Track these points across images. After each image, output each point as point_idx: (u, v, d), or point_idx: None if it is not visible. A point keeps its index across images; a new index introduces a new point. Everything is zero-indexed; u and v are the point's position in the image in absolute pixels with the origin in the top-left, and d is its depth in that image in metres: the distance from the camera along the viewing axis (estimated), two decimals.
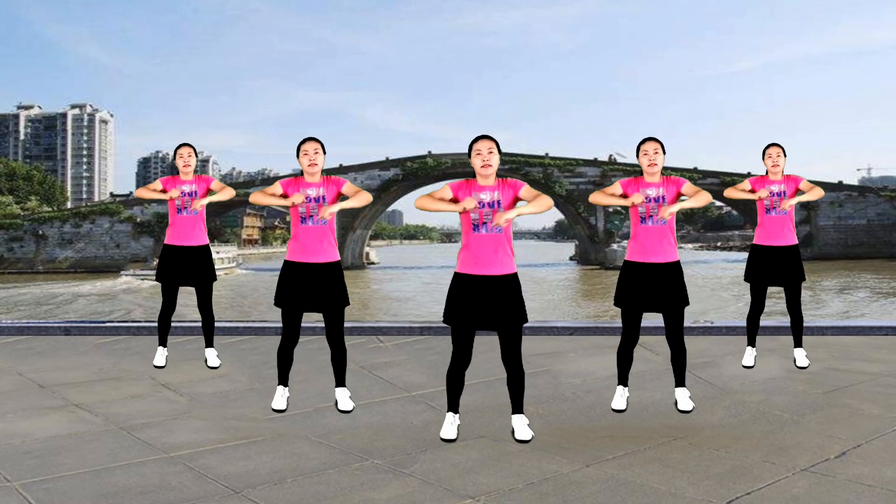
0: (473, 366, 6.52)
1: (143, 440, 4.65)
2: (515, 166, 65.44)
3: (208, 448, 4.49)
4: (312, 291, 4.94)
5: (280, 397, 5.14)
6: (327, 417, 5.13)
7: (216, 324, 6.58)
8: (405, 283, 51.80)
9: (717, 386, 5.82)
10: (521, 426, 4.46)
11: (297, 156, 5.02)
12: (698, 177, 63.75)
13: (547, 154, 66.95)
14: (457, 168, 63.12)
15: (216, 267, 6.67)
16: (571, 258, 79.61)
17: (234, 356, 6.92)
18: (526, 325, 4.52)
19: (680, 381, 5.07)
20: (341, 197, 5.06)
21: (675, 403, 5.04)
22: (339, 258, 5.08)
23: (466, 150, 4.49)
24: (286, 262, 5.02)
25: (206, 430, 4.88)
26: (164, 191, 6.17)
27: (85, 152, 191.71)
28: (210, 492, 3.79)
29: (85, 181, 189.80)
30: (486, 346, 7.34)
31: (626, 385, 5.11)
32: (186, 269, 6.12)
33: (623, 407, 5.07)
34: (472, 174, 4.54)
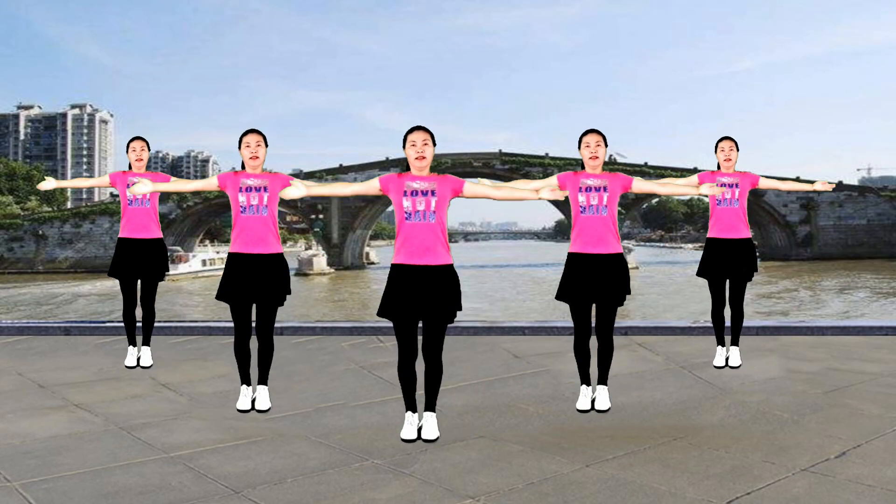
0: (473, 365, 6.53)
1: (143, 440, 4.65)
2: (515, 166, 65.42)
3: (208, 448, 4.49)
4: (252, 283, 4.86)
5: (244, 398, 5.03)
6: (327, 417, 5.13)
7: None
8: None
9: (717, 386, 5.82)
10: (431, 425, 4.38)
11: (239, 148, 4.94)
12: None
13: (547, 154, 66.91)
14: (456, 168, 63.03)
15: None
16: None
17: (234, 356, 6.91)
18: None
19: (602, 379, 4.98)
20: (286, 193, 4.96)
21: (593, 402, 4.96)
22: (281, 250, 4.98)
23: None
24: (230, 255, 4.95)
25: (206, 430, 4.88)
26: (112, 184, 6.12)
27: (85, 152, 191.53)
28: (210, 492, 3.79)
29: None
30: (486, 346, 7.35)
31: (588, 384, 5.03)
32: (140, 262, 6.04)
33: (587, 407, 4.97)
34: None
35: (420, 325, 4.41)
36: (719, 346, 6.15)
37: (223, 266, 5.03)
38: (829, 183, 6.25)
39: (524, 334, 7.85)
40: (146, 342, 6.27)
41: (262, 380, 5.05)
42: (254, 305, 4.99)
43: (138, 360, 6.27)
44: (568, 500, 3.64)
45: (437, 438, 4.37)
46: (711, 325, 6.22)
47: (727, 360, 6.06)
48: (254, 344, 5.03)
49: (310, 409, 5.28)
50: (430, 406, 4.44)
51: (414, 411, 4.47)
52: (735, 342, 6.06)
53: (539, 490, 3.77)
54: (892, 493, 3.66)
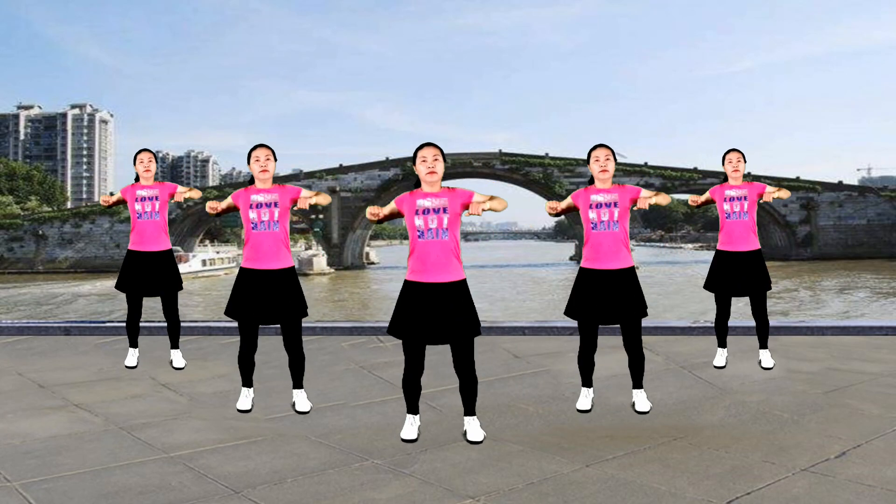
0: None
1: (143, 440, 4.65)
2: (515, 166, 65.41)
3: (208, 448, 4.49)
4: (267, 302, 4.89)
5: (245, 398, 5.12)
6: (327, 417, 5.13)
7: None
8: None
9: (717, 386, 5.82)
10: (474, 428, 4.45)
11: (248, 162, 5.02)
12: (698, 177, 63.72)
13: (547, 154, 66.89)
14: (456, 168, 63.03)
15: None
16: (571, 258, 79.56)
17: (235, 356, 6.92)
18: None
19: (638, 384, 5.07)
20: (294, 205, 5.04)
21: (633, 405, 5.05)
22: (292, 264, 5.06)
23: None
24: (241, 270, 5.01)
25: (206, 430, 4.88)
26: (123, 200, 6.13)
27: (85, 152, 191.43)
28: (210, 492, 3.79)
29: (85, 181, 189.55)
30: (486, 347, 7.35)
31: (590, 386, 5.13)
32: (150, 277, 5.99)
33: (588, 407, 5.08)
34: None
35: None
36: (720, 348, 6.16)
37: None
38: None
39: (524, 334, 7.84)
40: (175, 345, 6.27)
41: (298, 385, 5.12)
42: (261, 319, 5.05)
43: (137, 361, 6.30)
44: (568, 500, 3.64)
45: (484, 439, 4.40)
46: (713, 326, 6.23)
47: (759, 362, 6.08)
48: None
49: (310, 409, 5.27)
50: (471, 411, 4.47)
51: (415, 414, 4.49)
52: (764, 345, 6.07)
53: (539, 490, 3.77)
54: (892, 493, 3.67)
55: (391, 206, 4.57)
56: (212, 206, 5.30)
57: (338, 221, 65.22)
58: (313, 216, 64.98)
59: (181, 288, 6.17)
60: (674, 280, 48.82)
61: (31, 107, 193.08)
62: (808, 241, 65.11)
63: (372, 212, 4.65)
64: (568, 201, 5.10)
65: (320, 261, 59.88)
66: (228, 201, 5.13)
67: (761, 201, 5.91)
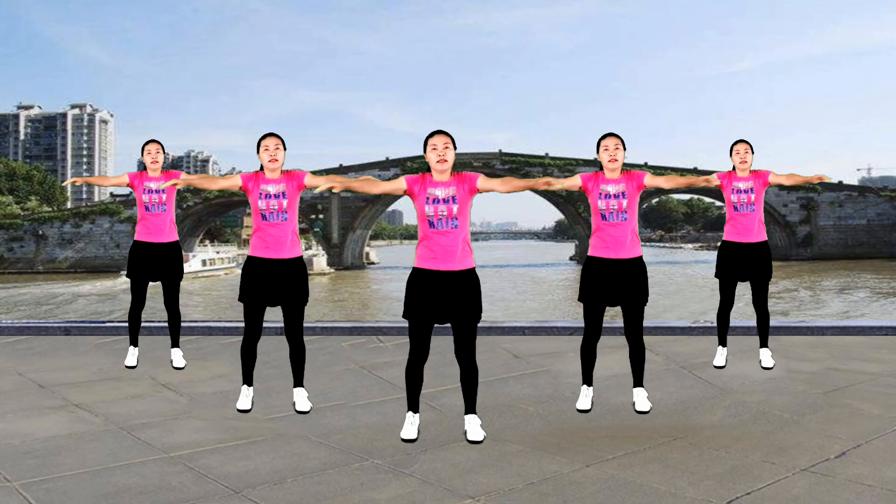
0: None
1: (143, 440, 4.65)
2: (515, 166, 65.39)
3: (208, 448, 4.49)
4: (273, 286, 4.90)
5: (245, 398, 5.08)
6: (327, 417, 5.13)
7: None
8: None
9: (717, 386, 5.82)
10: (474, 427, 4.41)
11: (258, 151, 4.97)
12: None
13: (547, 154, 66.94)
14: (456, 168, 62.88)
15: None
16: (571, 258, 79.73)
17: (235, 356, 6.91)
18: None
19: (638, 381, 5.03)
20: (301, 191, 5.01)
21: (633, 404, 5.01)
22: (301, 254, 5.05)
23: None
24: (249, 258, 5.01)
25: (206, 430, 4.88)
26: (129, 185, 6.13)
27: (85, 152, 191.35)
28: (210, 492, 3.79)
29: None
30: (486, 346, 7.35)
31: (590, 385, 5.09)
32: (155, 265, 6.05)
33: (588, 407, 5.03)
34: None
35: (435, 330, 4.44)
36: (720, 346, 6.15)
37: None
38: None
39: (524, 334, 7.84)
40: (175, 344, 6.27)
41: (299, 382, 5.10)
42: (268, 309, 5.05)
43: (137, 361, 6.28)
44: (568, 500, 3.64)
45: (484, 439, 4.38)
46: (714, 324, 6.22)
47: (759, 361, 6.06)
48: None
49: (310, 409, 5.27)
50: (472, 408, 4.46)
51: (416, 412, 4.49)
52: (764, 344, 6.05)
53: (539, 490, 3.77)
54: (892, 493, 3.67)
55: (400, 182, 4.50)
56: (208, 180, 5.21)
57: (338, 221, 65.21)
58: (313, 216, 64.98)
59: (182, 276, 6.20)
60: (674, 280, 48.84)
61: (31, 107, 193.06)
62: (808, 241, 65.13)
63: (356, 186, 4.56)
64: (574, 181, 4.97)
65: (320, 261, 59.89)
66: (236, 180, 5.02)
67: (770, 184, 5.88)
